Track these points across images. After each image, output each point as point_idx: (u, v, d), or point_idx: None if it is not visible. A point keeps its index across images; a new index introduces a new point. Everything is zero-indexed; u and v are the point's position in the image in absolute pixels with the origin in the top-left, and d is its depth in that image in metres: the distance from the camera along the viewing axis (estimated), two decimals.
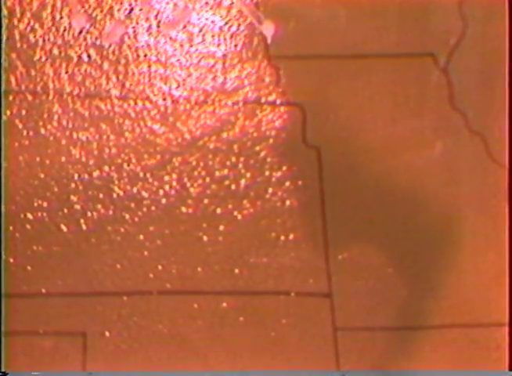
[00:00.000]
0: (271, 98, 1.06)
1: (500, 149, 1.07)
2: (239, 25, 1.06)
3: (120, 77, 1.05)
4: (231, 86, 1.06)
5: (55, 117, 1.04)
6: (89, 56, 1.04)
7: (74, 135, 1.05)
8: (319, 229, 1.07)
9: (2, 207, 1.04)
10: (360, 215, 1.07)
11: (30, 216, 1.05)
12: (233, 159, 1.06)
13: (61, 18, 1.04)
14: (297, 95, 1.06)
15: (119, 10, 1.05)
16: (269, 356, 1.07)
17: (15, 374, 1.03)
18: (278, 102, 1.06)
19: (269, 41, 1.06)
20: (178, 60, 1.06)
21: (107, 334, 1.05)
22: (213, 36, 1.06)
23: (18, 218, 1.04)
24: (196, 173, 1.06)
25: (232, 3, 1.06)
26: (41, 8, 1.04)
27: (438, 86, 1.07)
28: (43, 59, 1.04)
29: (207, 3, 1.06)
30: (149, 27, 1.05)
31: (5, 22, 1.03)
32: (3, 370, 1.02)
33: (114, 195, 1.05)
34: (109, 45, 1.05)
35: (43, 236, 1.05)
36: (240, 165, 1.06)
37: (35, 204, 1.04)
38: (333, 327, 1.07)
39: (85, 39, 1.04)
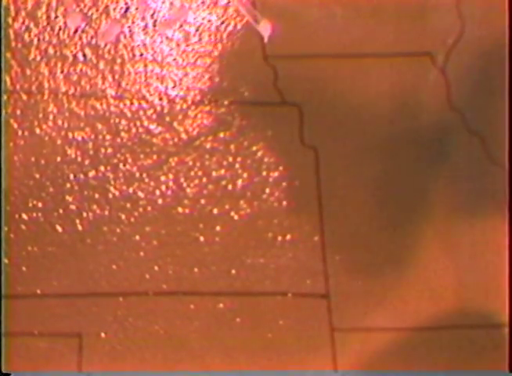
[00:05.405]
0: (268, 98, 1.06)
1: (499, 149, 1.07)
2: (235, 24, 1.06)
3: (116, 76, 1.04)
4: (227, 86, 1.06)
5: (51, 116, 1.04)
6: (85, 56, 1.04)
7: (70, 135, 1.04)
8: (317, 230, 1.06)
9: None
10: (357, 215, 1.07)
11: (25, 217, 1.04)
12: (230, 159, 1.06)
13: (56, 17, 1.04)
14: (294, 95, 1.06)
15: (115, 9, 1.05)
16: (266, 356, 1.07)
17: (13, 375, 1.03)
18: (275, 102, 1.06)
19: (266, 40, 1.05)
20: (175, 60, 1.05)
21: (103, 335, 1.05)
22: (209, 35, 1.06)
23: (13, 219, 1.04)
24: (192, 173, 1.06)
25: (229, 2, 1.05)
26: (36, 7, 1.03)
27: (435, 86, 1.06)
28: (38, 58, 1.04)
29: (203, 2, 1.06)
30: (145, 27, 1.05)
31: None
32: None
33: (110, 195, 1.05)
34: (105, 45, 1.04)
35: (38, 237, 1.04)
36: (237, 165, 1.06)
37: (30, 205, 1.04)
38: (330, 328, 1.07)
39: (81, 38, 1.04)
